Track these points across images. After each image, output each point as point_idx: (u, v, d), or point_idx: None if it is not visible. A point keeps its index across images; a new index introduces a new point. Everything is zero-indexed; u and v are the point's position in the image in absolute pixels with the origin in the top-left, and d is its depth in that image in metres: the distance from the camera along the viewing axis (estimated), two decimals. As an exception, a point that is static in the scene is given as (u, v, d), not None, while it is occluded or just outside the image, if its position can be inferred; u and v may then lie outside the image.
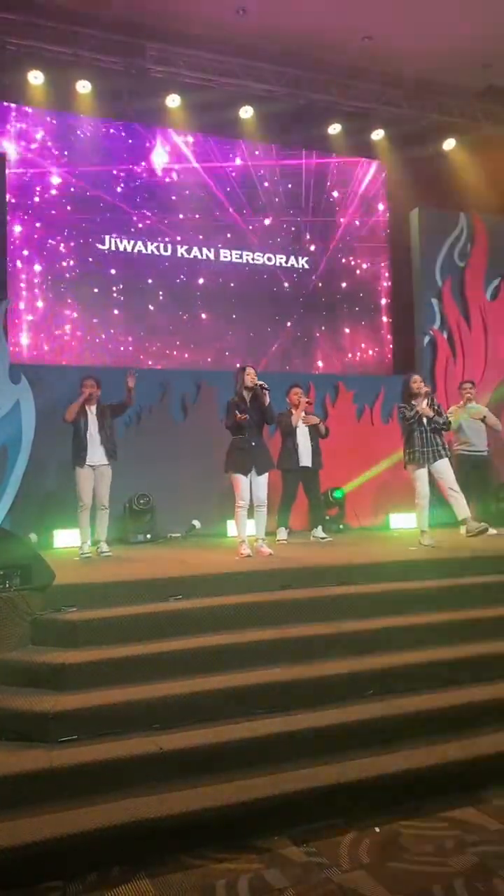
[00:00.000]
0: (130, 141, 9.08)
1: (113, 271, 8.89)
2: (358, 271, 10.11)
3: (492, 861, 2.91)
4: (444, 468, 6.52)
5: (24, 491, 7.62)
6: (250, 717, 3.75)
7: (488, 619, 4.84)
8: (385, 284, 10.29)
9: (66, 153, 8.74)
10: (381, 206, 10.33)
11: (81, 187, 8.78)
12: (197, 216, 9.31)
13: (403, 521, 8.66)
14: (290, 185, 9.79)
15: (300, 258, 9.78)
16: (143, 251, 9.03)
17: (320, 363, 9.83)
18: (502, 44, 8.50)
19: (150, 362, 8.99)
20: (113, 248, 8.89)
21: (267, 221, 9.64)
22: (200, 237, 9.31)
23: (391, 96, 9.35)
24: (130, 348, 8.95)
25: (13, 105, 8.40)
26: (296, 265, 9.76)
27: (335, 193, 10.03)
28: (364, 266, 10.16)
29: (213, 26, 8.14)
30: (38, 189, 8.58)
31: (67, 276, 8.68)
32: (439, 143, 9.88)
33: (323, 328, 9.88)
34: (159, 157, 9.19)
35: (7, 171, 8.14)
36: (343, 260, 10.03)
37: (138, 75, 8.36)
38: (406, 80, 9.26)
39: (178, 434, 8.28)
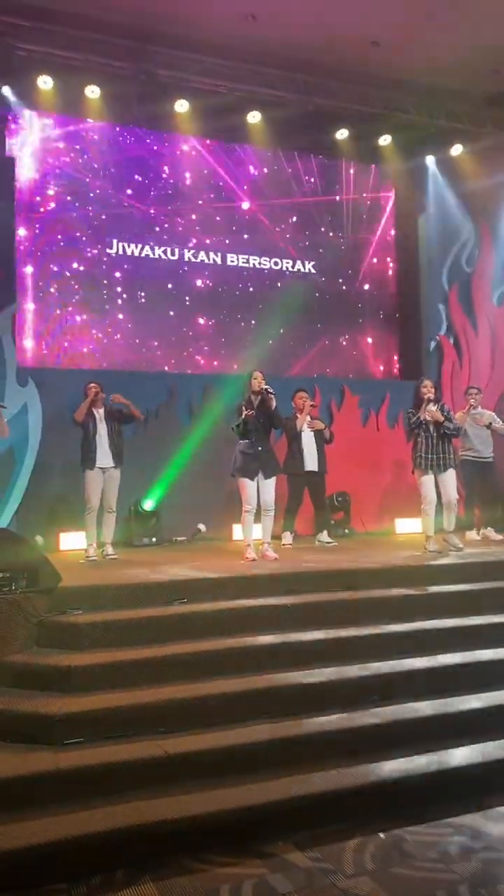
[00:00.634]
0: (138, 145, 9.10)
1: (120, 275, 8.92)
2: (365, 276, 10.12)
3: (496, 867, 2.91)
4: (448, 479, 6.54)
5: (30, 493, 7.65)
6: (255, 721, 3.76)
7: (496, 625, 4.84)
8: (392, 290, 10.29)
9: (73, 157, 8.77)
10: (388, 212, 10.33)
11: (89, 191, 8.81)
12: (204, 220, 9.33)
13: (409, 526, 8.66)
14: (297, 190, 9.80)
15: (307, 262, 9.79)
16: (151, 255, 9.05)
17: (327, 368, 9.84)
18: (510, 50, 8.50)
19: (157, 366, 9.01)
20: (120, 251, 8.92)
21: (273, 226, 9.65)
22: (208, 241, 9.33)
23: (399, 102, 9.35)
24: (138, 352, 8.97)
25: (22, 109, 8.43)
26: (302, 269, 9.77)
27: (342, 198, 10.04)
28: (371, 271, 10.17)
29: (223, 32, 8.16)
30: (46, 193, 8.61)
31: (75, 279, 8.70)
32: (447, 149, 9.89)
33: (329, 332, 9.88)
34: (167, 162, 9.22)
35: (15, 175, 8.18)
36: (350, 265, 10.03)
37: (147, 80, 8.38)
38: (414, 86, 9.26)
39: (184, 437, 8.29)
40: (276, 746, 3.59)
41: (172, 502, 8.00)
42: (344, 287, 9.98)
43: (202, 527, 8.14)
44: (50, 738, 3.53)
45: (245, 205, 9.53)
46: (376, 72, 8.92)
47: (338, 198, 10.02)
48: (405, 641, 4.58)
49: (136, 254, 8.99)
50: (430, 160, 9.96)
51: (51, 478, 7.72)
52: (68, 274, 8.68)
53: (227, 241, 9.41)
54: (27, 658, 4.11)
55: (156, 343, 9.08)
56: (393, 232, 10.32)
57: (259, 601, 4.77)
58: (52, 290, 8.59)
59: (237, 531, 7.62)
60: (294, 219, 9.79)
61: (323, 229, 9.89)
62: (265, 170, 9.68)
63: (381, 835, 3.17)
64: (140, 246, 9.00)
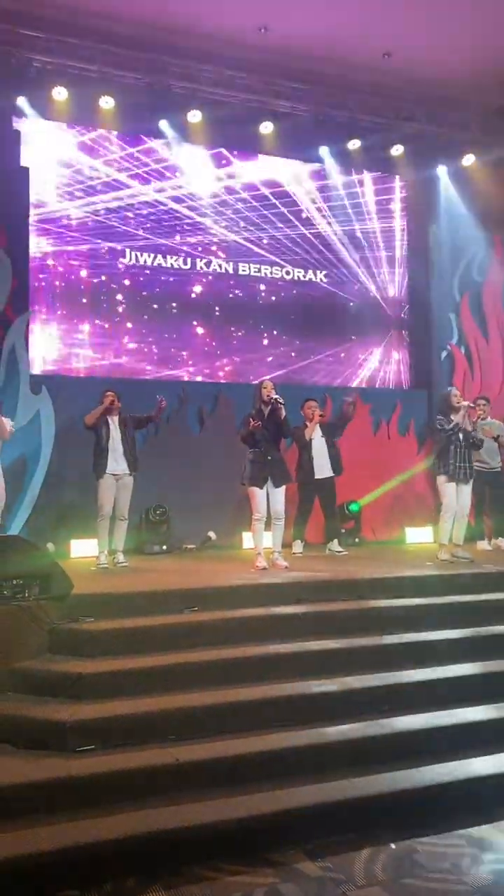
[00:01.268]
0: (151, 155, 9.18)
1: (133, 284, 8.97)
2: (376, 285, 10.14)
3: (508, 880, 2.90)
4: (468, 490, 6.64)
5: (42, 501, 7.69)
6: (266, 730, 3.76)
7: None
8: (403, 299, 10.30)
9: (87, 167, 8.85)
10: (399, 221, 10.35)
11: (103, 201, 8.89)
12: (216, 230, 9.38)
13: (420, 536, 8.65)
14: (309, 200, 9.85)
15: (318, 272, 9.82)
16: (163, 264, 9.11)
17: (337, 377, 9.85)
18: (523, 61, 8.53)
19: (168, 374, 9.05)
20: (133, 261, 8.97)
21: (285, 235, 9.69)
22: (220, 251, 9.38)
23: (411, 112, 9.40)
24: (150, 360, 9.02)
25: (37, 120, 8.52)
26: (314, 279, 9.81)
27: (354, 208, 10.06)
28: (382, 280, 10.19)
29: (235, 44, 8.23)
30: (60, 202, 8.69)
31: (88, 288, 8.77)
32: (458, 159, 9.91)
33: (341, 341, 9.90)
34: (180, 171, 9.28)
35: (30, 185, 8.25)
36: (361, 274, 10.06)
37: (160, 91, 8.47)
38: (426, 97, 9.30)
39: (194, 446, 8.32)
40: (287, 755, 3.59)
41: (183, 510, 8.02)
42: (355, 296, 10.00)
43: (212, 535, 8.16)
44: (61, 745, 3.54)
45: (257, 214, 9.57)
46: (388, 82, 8.97)
47: (350, 208, 10.05)
48: (416, 651, 4.57)
49: (149, 263, 9.05)
50: (441, 170, 9.98)
51: (62, 485, 7.76)
52: (81, 283, 8.74)
53: (239, 251, 9.46)
54: (39, 665, 4.13)
55: (168, 351, 9.12)
56: (404, 241, 10.33)
57: (270, 610, 4.78)
58: (65, 298, 8.65)
59: (247, 539, 7.63)
60: (306, 228, 9.82)
61: (335, 239, 9.92)
62: (276, 180, 9.72)
63: (393, 845, 3.17)
64: (153, 255, 9.06)
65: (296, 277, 9.71)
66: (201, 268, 9.28)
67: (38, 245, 8.50)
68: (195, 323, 9.26)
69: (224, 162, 9.48)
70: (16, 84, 7.99)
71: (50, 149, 8.66)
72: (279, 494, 6.30)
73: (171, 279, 9.15)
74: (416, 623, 4.87)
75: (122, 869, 2.97)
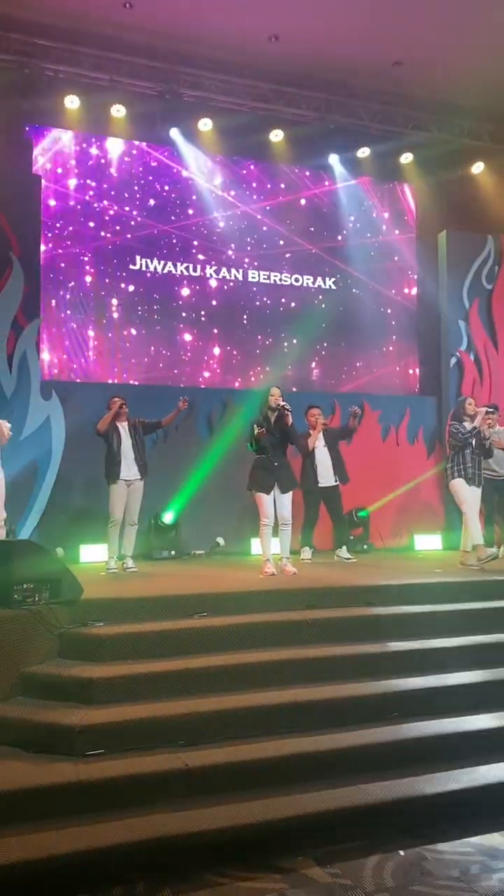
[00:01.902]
0: (162, 163, 9.24)
1: (143, 290, 9.03)
2: (385, 292, 10.15)
3: (518, 888, 2.88)
4: (479, 496, 6.64)
5: (52, 505, 7.73)
6: (275, 736, 3.76)
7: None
8: (412, 306, 10.32)
9: (99, 175, 8.91)
10: (409, 229, 10.37)
11: (114, 208, 8.95)
12: (226, 237, 9.42)
13: (428, 543, 8.63)
14: (318, 207, 9.88)
15: (328, 279, 9.85)
16: (173, 271, 9.16)
17: (346, 384, 9.86)
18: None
19: (177, 380, 9.07)
20: (144, 268, 9.03)
21: (295, 242, 9.72)
22: (229, 258, 9.42)
23: (420, 120, 9.44)
24: (159, 366, 9.05)
25: (49, 128, 8.60)
26: (323, 286, 9.83)
27: (363, 216, 10.09)
28: (391, 287, 10.20)
29: (246, 52, 8.30)
30: (71, 210, 8.75)
31: (99, 294, 8.82)
32: (468, 167, 9.93)
33: (350, 348, 9.92)
34: (189, 179, 9.33)
35: (41, 192, 8.32)
36: (371, 281, 10.08)
37: (171, 100, 8.54)
38: (436, 105, 9.34)
39: (203, 451, 8.33)
40: (296, 761, 3.58)
41: (191, 516, 8.04)
42: (364, 303, 10.01)
43: (220, 540, 8.17)
44: (71, 750, 3.54)
45: (266, 222, 9.61)
46: (398, 90, 9.02)
47: (359, 215, 10.07)
48: (425, 658, 4.56)
49: (160, 270, 9.09)
50: (449, 178, 10.00)
51: (72, 490, 7.80)
52: (92, 289, 8.80)
53: (249, 258, 9.50)
54: (49, 669, 4.13)
55: (177, 357, 9.16)
56: (414, 248, 10.35)
57: (279, 616, 4.78)
58: (76, 304, 8.71)
59: (255, 545, 7.63)
60: (316, 235, 9.85)
61: (343, 246, 9.94)
62: (287, 187, 9.76)
63: (402, 852, 3.16)
64: (163, 262, 9.11)
65: (304, 284, 9.74)
66: (210, 274, 9.33)
67: (49, 252, 8.56)
68: (205, 329, 9.29)
69: (232, 168, 9.52)
70: (28, 93, 8.08)
71: (62, 156, 8.73)
72: (286, 500, 6.31)
73: (182, 286, 9.20)
74: (425, 630, 4.86)
75: (132, 874, 2.97)
